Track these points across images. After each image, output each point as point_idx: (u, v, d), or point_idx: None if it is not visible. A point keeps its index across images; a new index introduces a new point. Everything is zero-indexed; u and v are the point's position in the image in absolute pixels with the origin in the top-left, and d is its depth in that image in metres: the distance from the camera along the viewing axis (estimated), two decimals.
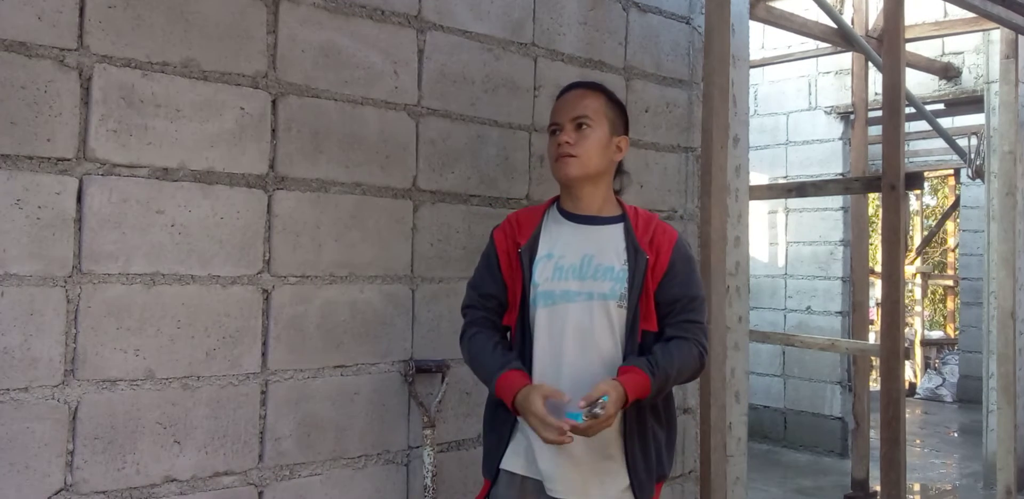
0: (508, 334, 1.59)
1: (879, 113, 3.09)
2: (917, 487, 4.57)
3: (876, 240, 7.65)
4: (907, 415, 3.30)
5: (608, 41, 2.23)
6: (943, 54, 4.83)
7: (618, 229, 1.57)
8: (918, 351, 8.22)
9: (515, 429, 1.54)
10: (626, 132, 1.64)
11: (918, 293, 8.55)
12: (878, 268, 3.04)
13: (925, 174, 7.82)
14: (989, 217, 4.31)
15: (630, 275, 1.51)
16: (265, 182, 1.65)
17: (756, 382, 5.35)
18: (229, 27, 1.60)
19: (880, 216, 2.69)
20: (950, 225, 9.37)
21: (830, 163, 5.21)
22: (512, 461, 1.53)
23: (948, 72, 4.76)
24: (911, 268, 8.21)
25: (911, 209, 9.43)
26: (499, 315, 1.60)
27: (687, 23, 2.44)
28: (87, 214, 1.45)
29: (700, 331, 1.54)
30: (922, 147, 7.36)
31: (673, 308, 1.53)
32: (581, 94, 1.60)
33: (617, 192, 1.65)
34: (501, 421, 1.55)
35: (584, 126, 1.56)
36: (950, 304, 9.36)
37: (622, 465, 1.49)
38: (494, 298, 1.58)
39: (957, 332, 8.02)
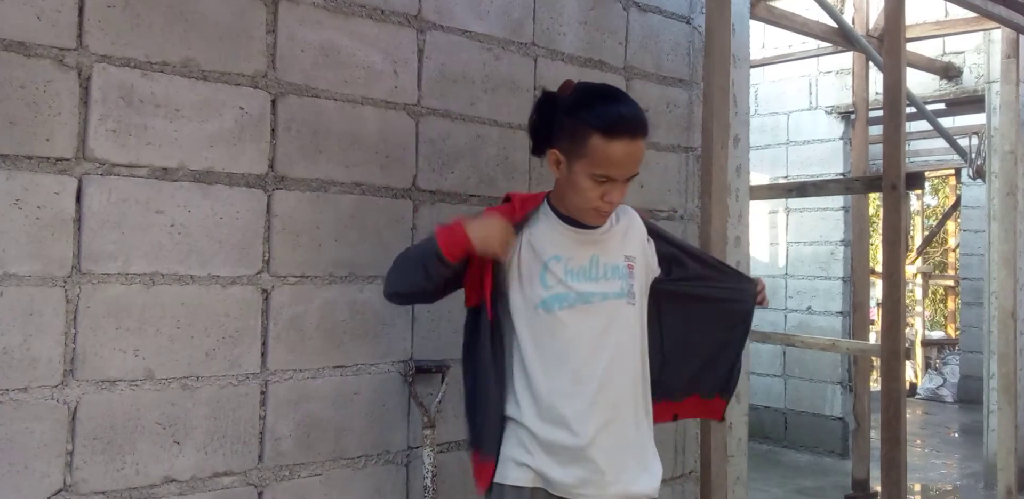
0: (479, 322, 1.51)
1: (880, 113, 3.09)
2: (918, 487, 4.57)
3: (877, 240, 7.65)
4: (908, 415, 3.30)
5: (608, 41, 2.23)
6: (944, 54, 4.83)
7: (611, 229, 1.55)
8: (919, 351, 8.22)
9: (506, 436, 1.49)
10: None
11: (919, 293, 8.56)
12: (879, 268, 3.03)
13: (926, 174, 7.82)
14: (990, 217, 4.31)
15: (631, 272, 1.53)
16: (265, 182, 1.64)
17: (756, 382, 5.35)
18: (228, 27, 1.60)
19: (881, 216, 2.69)
20: (951, 225, 9.36)
21: (831, 163, 5.21)
22: (518, 475, 1.47)
23: (949, 72, 4.76)
24: (912, 268, 8.21)
25: (912, 209, 9.43)
26: None
27: (687, 23, 2.43)
28: (86, 214, 1.45)
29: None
30: (923, 147, 7.36)
31: (701, 261, 1.68)
32: (642, 147, 1.42)
33: None
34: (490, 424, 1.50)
35: (634, 175, 1.45)
36: (951, 304, 9.36)
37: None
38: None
39: (958, 332, 8.02)
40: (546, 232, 1.51)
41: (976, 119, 5.52)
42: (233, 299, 1.60)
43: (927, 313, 9.59)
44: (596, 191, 1.42)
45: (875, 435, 3.95)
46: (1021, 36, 3.90)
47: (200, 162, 1.56)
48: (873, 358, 4.34)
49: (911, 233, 9.35)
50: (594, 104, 1.42)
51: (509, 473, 1.48)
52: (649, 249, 1.61)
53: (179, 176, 1.54)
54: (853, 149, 4.42)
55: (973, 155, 4.65)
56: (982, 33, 4.42)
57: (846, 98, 5.00)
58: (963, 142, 4.82)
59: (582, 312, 1.47)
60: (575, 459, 1.45)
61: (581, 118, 1.40)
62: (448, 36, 1.91)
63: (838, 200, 5.14)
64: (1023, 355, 4.07)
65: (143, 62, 1.50)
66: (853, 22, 4.18)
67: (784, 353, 5.33)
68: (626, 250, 1.55)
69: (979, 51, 4.62)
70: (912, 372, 7.96)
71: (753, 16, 2.98)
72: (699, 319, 1.68)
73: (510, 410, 1.50)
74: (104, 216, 1.46)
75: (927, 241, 9.32)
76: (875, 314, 5.98)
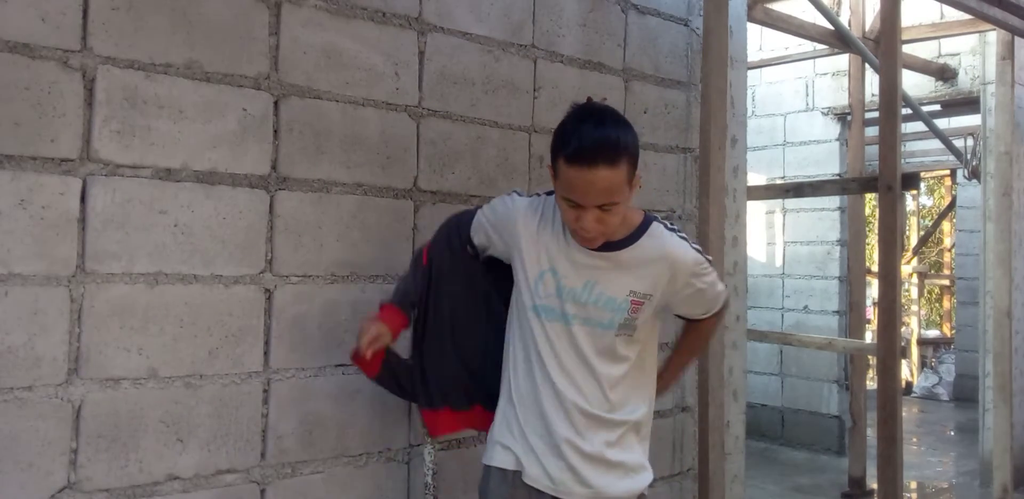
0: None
1: (876, 114, 3.11)
2: (914, 485, 4.59)
3: (873, 240, 7.67)
4: (904, 413, 3.33)
5: (607, 43, 2.24)
6: (939, 55, 4.85)
7: (626, 254, 1.46)
8: (915, 350, 8.25)
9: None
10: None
11: (914, 292, 8.58)
12: (875, 268, 3.05)
13: (921, 175, 7.86)
14: (985, 217, 4.33)
15: (631, 307, 1.47)
16: (267, 182, 1.66)
17: (754, 381, 5.37)
18: (232, 29, 1.61)
19: (877, 216, 2.71)
20: (946, 225, 9.40)
21: (827, 164, 5.24)
22: (503, 458, 1.53)
23: (944, 73, 4.79)
24: (907, 268, 8.23)
25: (908, 209, 9.45)
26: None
27: (685, 25, 2.45)
28: (91, 214, 1.46)
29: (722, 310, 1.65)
30: (919, 148, 7.38)
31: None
32: (605, 177, 1.31)
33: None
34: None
35: (610, 205, 1.35)
36: (946, 303, 9.39)
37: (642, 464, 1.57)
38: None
39: (953, 331, 8.06)
40: (552, 241, 1.49)
41: (971, 120, 5.55)
42: (236, 298, 1.61)
43: (923, 312, 9.62)
44: (571, 214, 1.38)
45: (871, 433, 3.97)
46: (1016, 38, 3.93)
47: (203, 163, 1.58)
48: (869, 357, 4.36)
49: (907, 233, 9.37)
50: (567, 125, 1.38)
51: (495, 455, 1.53)
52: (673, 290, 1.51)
53: (182, 177, 1.55)
54: (849, 150, 4.45)
55: (968, 156, 4.68)
56: (977, 35, 4.44)
57: (842, 100, 5.03)
58: (958, 143, 4.83)
59: (563, 331, 1.48)
60: (549, 454, 1.48)
61: (555, 138, 1.39)
62: (449, 38, 1.92)
63: (835, 200, 5.16)
64: (1018, 354, 4.10)
65: (147, 64, 1.52)
66: (849, 24, 4.20)
67: (781, 352, 5.35)
68: (635, 285, 1.46)
69: (974, 53, 4.64)
70: (908, 371, 7.99)
71: (751, 18, 3.00)
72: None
73: (504, 391, 1.55)
74: (108, 216, 1.47)
75: (923, 241, 9.36)
76: (871, 313, 6.00)
